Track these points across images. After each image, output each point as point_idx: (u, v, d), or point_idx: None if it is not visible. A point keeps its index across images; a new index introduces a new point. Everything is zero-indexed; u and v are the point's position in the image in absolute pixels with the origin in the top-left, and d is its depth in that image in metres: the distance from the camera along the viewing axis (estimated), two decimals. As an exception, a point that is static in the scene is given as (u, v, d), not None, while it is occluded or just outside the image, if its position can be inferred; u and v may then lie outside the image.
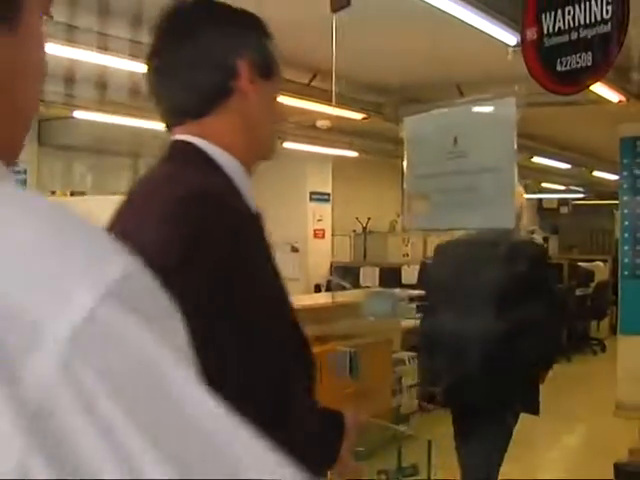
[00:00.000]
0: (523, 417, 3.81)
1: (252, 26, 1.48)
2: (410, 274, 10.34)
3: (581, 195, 18.42)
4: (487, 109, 3.31)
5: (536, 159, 11.06)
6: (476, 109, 3.37)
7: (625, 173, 8.39)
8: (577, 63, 3.26)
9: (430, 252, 13.64)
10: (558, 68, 3.32)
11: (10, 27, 0.59)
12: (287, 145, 9.37)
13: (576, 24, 3.28)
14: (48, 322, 0.47)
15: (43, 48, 0.64)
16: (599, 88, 5.68)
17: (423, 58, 6.44)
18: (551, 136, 10.49)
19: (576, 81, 3.35)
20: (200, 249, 1.25)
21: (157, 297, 0.55)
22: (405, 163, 3.54)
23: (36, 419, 0.46)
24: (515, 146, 3.14)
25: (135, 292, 0.52)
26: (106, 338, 0.49)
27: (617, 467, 4.26)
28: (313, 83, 6.59)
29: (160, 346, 0.52)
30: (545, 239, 16.53)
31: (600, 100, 6.27)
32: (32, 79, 0.64)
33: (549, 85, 3.38)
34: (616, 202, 17.69)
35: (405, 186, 3.60)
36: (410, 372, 6.49)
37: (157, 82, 1.47)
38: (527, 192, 17.71)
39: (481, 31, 4.43)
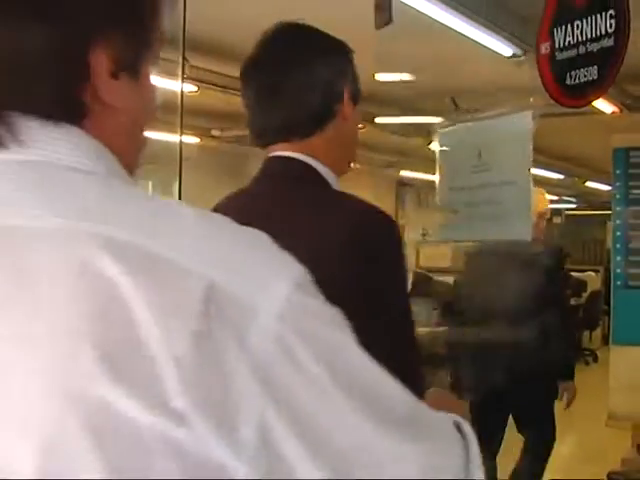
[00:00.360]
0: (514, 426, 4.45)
1: (349, 54, 1.60)
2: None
3: (574, 205, 18.49)
4: (505, 123, 3.37)
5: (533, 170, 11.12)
6: (495, 123, 3.46)
7: (618, 184, 8.42)
8: (585, 77, 3.31)
9: (423, 261, 13.72)
10: (568, 82, 3.38)
11: (137, 77, 0.76)
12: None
13: (583, 38, 3.34)
14: (259, 302, 0.63)
15: (154, 89, 0.82)
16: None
17: (417, 68, 6.47)
18: (544, 147, 10.54)
19: (583, 94, 3.41)
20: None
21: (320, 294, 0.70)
22: (438, 176, 3.65)
23: (264, 378, 0.62)
24: (531, 159, 3.26)
25: (311, 286, 0.69)
26: (302, 315, 0.66)
27: (610, 477, 4.28)
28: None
29: (338, 324, 0.70)
30: (538, 249, 16.62)
31: (594, 111, 6.31)
32: (148, 114, 0.83)
33: (560, 98, 3.45)
34: (608, 212, 17.79)
35: (437, 199, 3.71)
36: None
37: (264, 99, 1.54)
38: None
39: (475, 42, 4.47)
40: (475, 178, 3.39)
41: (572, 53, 3.39)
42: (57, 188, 0.68)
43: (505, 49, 4.63)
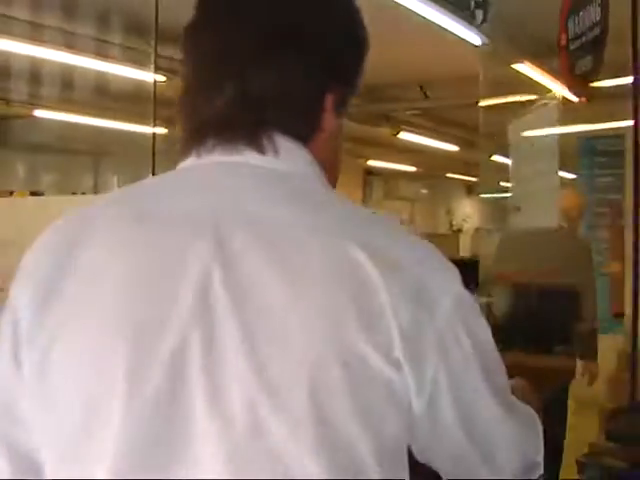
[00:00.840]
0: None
1: None
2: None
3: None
4: (541, 113, 3.58)
5: (495, 157, 11.15)
6: (536, 114, 3.62)
7: (583, 172, 8.51)
8: (584, 67, 3.37)
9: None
10: (577, 72, 3.43)
11: (341, 114, 1.05)
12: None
13: (584, 28, 3.37)
14: (444, 295, 0.92)
15: (339, 136, 1.10)
16: (560, 88, 5.75)
17: (386, 57, 6.47)
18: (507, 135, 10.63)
19: (585, 84, 3.49)
20: None
21: None
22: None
23: (440, 343, 0.91)
24: (557, 150, 3.42)
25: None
26: (469, 309, 0.97)
27: (578, 462, 4.30)
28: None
29: (482, 321, 0.99)
30: (504, 238, 16.71)
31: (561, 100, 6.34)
32: (334, 149, 1.09)
33: (571, 89, 3.55)
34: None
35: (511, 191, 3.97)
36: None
37: None
38: (484, 192, 17.94)
39: (446, 30, 4.47)
40: (529, 168, 3.60)
41: (578, 43, 3.42)
42: (304, 195, 0.96)
43: (474, 38, 4.64)
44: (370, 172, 15.31)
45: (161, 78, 5.47)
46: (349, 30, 1.08)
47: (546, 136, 3.35)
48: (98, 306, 0.90)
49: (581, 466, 4.25)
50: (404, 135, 8.50)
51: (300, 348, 0.86)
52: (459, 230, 16.33)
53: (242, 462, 0.84)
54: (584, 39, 3.30)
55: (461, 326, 0.94)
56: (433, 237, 15.15)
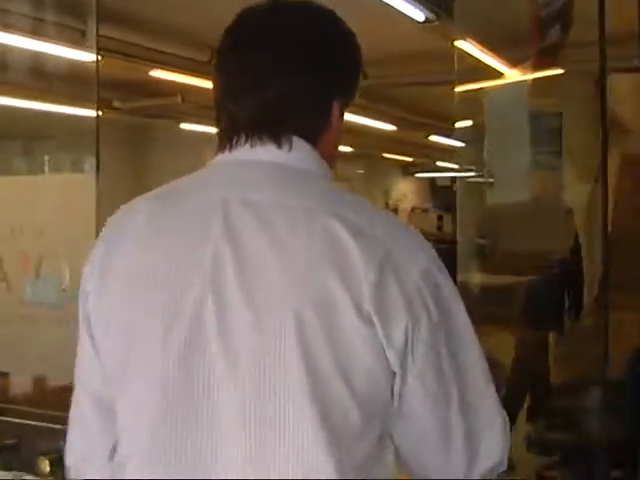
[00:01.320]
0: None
1: None
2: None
3: (474, 173, 18.53)
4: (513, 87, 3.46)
5: (433, 137, 11.12)
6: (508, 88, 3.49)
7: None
8: (554, 35, 3.17)
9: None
10: (546, 41, 3.21)
11: (329, 131, 1.30)
12: (185, 126, 9.12)
13: None
14: (411, 266, 1.13)
15: (340, 133, 1.36)
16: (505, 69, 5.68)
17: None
18: (449, 114, 10.57)
19: (553, 55, 3.26)
20: None
21: None
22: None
23: (409, 309, 1.10)
24: (527, 127, 3.37)
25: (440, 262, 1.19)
26: (439, 284, 1.15)
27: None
28: (213, 61, 6.35)
29: (451, 282, 1.19)
30: (440, 217, 16.76)
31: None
32: (336, 144, 1.36)
33: (536, 61, 3.26)
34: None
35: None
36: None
37: None
38: (421, 171, 17.93)
39: (388, 5, 4.36)
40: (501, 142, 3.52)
41: (549, 10, 3.23)
42: (301, 183, 1.23)
43: (417, 14, 4.53)
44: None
45: (93, 57, 5.26)
46: (348, 52, 1.36)
47: (518, 110, 3.18)
48: (142, 280, 1.19)
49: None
50: (347, 116, 8.34)
51: (287, 296, 1.11)
52: (395, 210, 16.30)
53: (251, 398, 1.10)
54: (554, 5, 3.15)
55: (430, 297, 1.13)
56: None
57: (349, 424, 1.10)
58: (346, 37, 1.37)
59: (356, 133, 11.52)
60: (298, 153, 1.25)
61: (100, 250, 1.29)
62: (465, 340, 1.18)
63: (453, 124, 4.27)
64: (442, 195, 19.14)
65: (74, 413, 1.34)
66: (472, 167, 14.95)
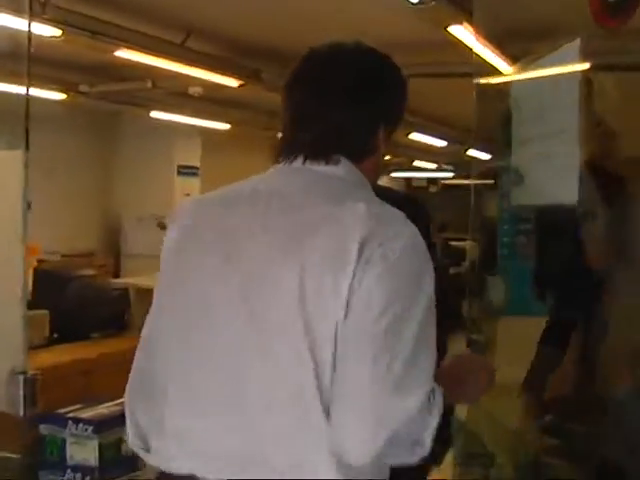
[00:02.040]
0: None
1: None
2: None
3: (451, 174, 18.42)
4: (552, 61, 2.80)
5: (413, 136, 10.78)
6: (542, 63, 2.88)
7: (505, 150, 8.15)
8: None
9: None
10: None
11: (374, 154, 1.61)
12: (155, 114, 8.74)
13: None
14: (379, 246, 1.38)
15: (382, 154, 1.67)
16: (494, 58, 5.35)
17: (312, 20, 5.97)
18: (430, 111, 10.24)
19: (623, 11, 2.75)
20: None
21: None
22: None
23: (362, 245, 1.36)
24: (578, 103, 2.61)
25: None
26: (386, 252, 1.39)
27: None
28: (187, 44, 5.97)
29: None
30: (414, 217, 16.39)
31: (489, 72, 5.94)
32: (379, 162, 1.66)
33: (599, 18, 2.72)
34: (485, 182, 17.85)
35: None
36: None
37: None
38: (396, 170, 17.63)
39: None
40: (531, 129, 2.82)
41: None
42: (342, 189, 1.51)
43: (411, -6, 4.16)
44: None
45: (57, 32, 4.86)
46: (393, 87, 1.64)
47: (561, 84, 2.69)
48: (202, 247, 1.55)
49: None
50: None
51: (294, 257, 1.41)
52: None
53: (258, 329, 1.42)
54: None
55: (382, 262, 1.36)
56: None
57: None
58: (392, 73, 1.66)
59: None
60: (342, 167, 1.54)
61: (184, 216, 1.66)
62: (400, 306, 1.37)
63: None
64: (419, 195, 18.94)
65: None
66: (450, 167, 14.51)
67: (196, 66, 6.00)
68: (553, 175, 2.60)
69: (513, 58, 5.66)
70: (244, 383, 1.40)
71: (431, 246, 2.37)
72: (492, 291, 4.80)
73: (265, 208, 1.48)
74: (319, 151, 1.53)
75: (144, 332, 1.63)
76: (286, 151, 1.56)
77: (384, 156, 1.67)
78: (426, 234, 2.13)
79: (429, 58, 6.17)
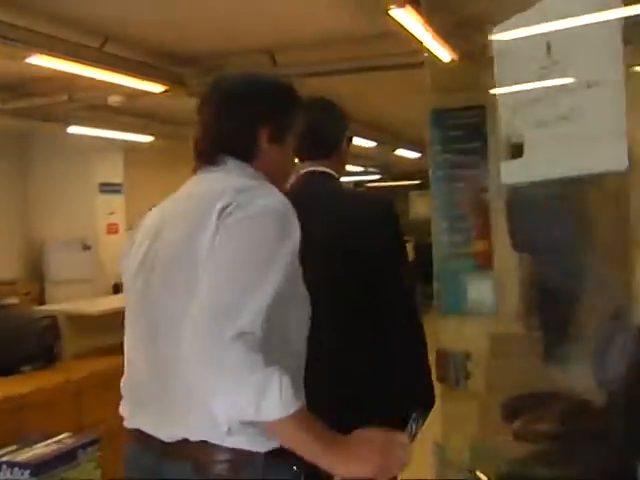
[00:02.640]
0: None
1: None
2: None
3: (377, 177, 18.35)
4: None
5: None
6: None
7: (436, 147, 7.94)
8: None
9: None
10: None
11: (282, 144, 1.90)
12: (73, 130, 8.28)
13: None
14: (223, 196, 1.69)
15: (291, 152, 1.98)
16: (434, 45, 5.09)
17: (230, 22, 5.65)
18: (358, 111, 9.98)
19: None
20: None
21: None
22: (497, 93, 2.53)
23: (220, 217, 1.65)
24: (621, 50, 2.06)
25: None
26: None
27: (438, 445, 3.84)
28: (105, 48, 5.58)
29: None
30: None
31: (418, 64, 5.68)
32: (288, 163, 2.02)
33: None
34: (412, 183, 17.85)
35: (501, 124, 2.51)
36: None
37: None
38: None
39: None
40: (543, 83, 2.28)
41: None
42: (226, 181, 1.75)
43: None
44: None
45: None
46: (269, 99, 1.95)
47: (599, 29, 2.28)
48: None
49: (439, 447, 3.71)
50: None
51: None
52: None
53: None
54: None
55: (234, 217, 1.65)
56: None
57: None
58: (265, 88, 1.97)
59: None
60: (232, 167, 1.84)
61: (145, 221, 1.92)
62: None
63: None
64: None
65: None
66: (376, 170, 14.26)
67: (116, 71, 5.59)
68: (579, 140, 2.18)
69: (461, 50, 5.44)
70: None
71: (403, 244, 2.67)
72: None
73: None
74: (210, 156, 1.86)
75: None
76: (195, 159, 1.92)
77: (283, 157, 1.95)
78: (396, 233, 2.54)
79: (364, 53, 5.90)
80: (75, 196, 9.90)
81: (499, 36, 2.50)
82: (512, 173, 2.50)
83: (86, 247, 9.86)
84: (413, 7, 4.00)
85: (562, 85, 2.15)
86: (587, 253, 3.13)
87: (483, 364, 5.09)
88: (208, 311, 1.50)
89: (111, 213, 10.35)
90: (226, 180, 1.77)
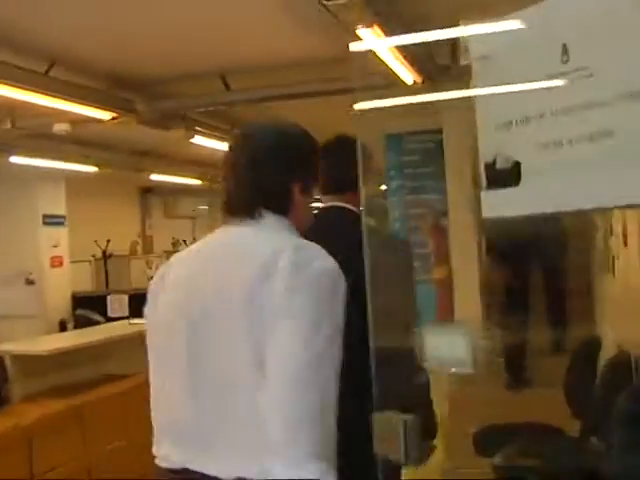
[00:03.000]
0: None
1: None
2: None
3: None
4: None
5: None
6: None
7: (392, 172, 7.85)
8: None
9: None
10: None
11: (309, 194, 2.04)
12: (14, 160, 7.95)
13: None
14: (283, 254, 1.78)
15: (302, 207, 2.05)
16: (398, 67, 4.96)
17: (182, 46, 5.44)
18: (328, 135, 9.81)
19: None
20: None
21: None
22: (478, 106, 2.14)
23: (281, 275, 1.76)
24: None
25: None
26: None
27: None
28: (51, 73, 5.31)
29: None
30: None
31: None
32: (311, 213, 2.10)
33: None
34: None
35: (480, 145, 2.09)
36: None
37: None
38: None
39: None
40: (557, 93, 1.87)
41: None
42: (272, 235, 1.90)
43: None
44: (148, 190, 14.09)
45: None
46: (303, 154, 2.05)
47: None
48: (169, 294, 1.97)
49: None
50: (198, 140, 7.42)
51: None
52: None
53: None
54: None
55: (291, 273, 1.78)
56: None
57: None
58: (298, 143, 2.07)
59: (206, 165, 10.68)
60: (271, 221, 1.95)
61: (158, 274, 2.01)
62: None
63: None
64: None
65: None
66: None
67: (63, 98, 5.32)
68: (611, 165, 1.83)
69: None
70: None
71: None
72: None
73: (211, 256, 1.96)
74: (248, 209, 1.93)
75: None
76: (226, 211, 1.99)
77: (309, 206, 2.07)
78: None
79: (323, 76, 5.73)
80: (17, 228, 9.54)
81: (484, 39, 2.14)
82: (499, 204, 2.11)
83: (30, 282, 9.50)
84: (380, 28, 3.85)
85: (587, 97, 1.81)
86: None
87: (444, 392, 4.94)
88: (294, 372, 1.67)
89: (55, 246, 10.00)
90: (272, 234, 1.91)
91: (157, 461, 1.93)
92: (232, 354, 1.73)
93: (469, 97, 2.23)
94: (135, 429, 4.45)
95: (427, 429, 2.73)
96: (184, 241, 15.09)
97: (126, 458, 5.05)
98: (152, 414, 1.96)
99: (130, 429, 5.13)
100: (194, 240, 15.39)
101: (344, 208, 2.85)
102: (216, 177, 11.84)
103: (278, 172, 1.96)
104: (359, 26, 3.75)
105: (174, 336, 1.85)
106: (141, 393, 5.51)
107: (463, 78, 2.22)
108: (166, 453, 1.89)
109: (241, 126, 2.14)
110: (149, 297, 1.97)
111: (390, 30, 3.92)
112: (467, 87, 2.24)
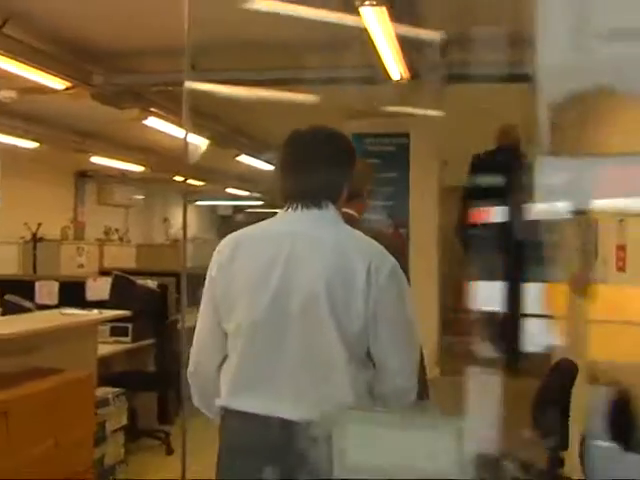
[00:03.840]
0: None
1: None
2: (97, 288, 8.67)
3: (259, 203, 17.98)
4: None
5: (241, 158, 9.98)
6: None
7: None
8: None
9: (108, 263, 12.10)
10: None
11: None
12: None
13: None
14: (382, 266, 2.23)
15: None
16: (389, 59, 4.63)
17: (148, 19, 5.03)
18: (259, 134, 9.45)
19: None
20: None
21: None
22: None
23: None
24: None
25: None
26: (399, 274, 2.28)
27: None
28: (3, 30, 4.81)
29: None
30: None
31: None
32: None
33: None
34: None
35: None
36: (115, 414, 5.32)
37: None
38: (201, 199, 16.83)
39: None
40: None
41: None
42: (329, 224, 2.29)
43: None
44: (83, 174, 13.51)
45: None
46: (350, 158, 2.38)
47: None
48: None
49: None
50: (151, 122, 7.00)
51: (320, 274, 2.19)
52: (176, 240, 14.96)
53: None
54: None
55: (393, 282, 2.20)
56: (149, 248, 13.69)
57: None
58: (348, 148, 2.39)
59: (151, 151, 10.21)
60: (334, 213, 2.29)
61: (224, 252, 2.30)
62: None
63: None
64: (224, 224, 18.51)
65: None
66: (258, 195, 13.62)
67: (13, 58, 4.83)
68: None
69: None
70: None
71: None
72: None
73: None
74: (316, 199, 2.27)
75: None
76: (290, 200, 2.28)
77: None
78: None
79: (292, 63, 5.37)
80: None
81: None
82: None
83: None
84: (388, 11, 3.50)
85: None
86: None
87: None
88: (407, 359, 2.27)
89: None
90: (339, 225, 2.29)
91: (236, 407, 2.24)
92: (322, 326, 2.13)
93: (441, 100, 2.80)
94: (65, 428, 4.04)
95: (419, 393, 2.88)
96: (116, 230, 14.61)
97: (54, 459, 4.60)
98: (233, 369, 2.25)
99: (60, 428, 4.67)
100: (127, 230, 14.92)
101: (345, 212, 2.81)
102: (160, 164, 11.42)
103: (344, 173, 2.34)
104: (367, 2, 3.39)
105: (257, 308, 2.19)
106: (73, 390, 4.98)
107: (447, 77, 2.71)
108: (251, 402, 2.19)
109: (302, 128, 2.35)
110: (215, 268, 2.29)
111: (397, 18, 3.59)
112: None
